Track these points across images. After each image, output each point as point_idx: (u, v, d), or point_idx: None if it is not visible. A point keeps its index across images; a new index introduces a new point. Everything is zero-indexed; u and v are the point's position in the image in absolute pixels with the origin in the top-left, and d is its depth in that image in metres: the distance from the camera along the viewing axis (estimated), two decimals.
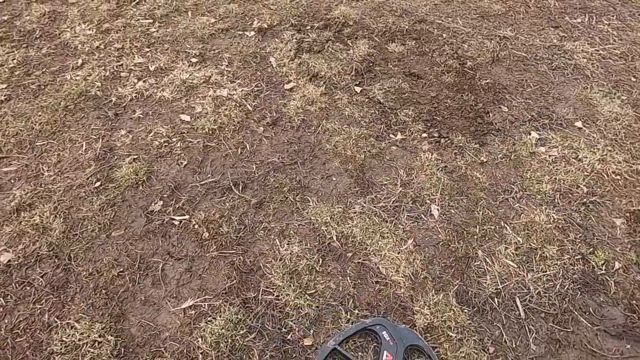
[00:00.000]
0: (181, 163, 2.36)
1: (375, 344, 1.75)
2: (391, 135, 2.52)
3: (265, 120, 2.58)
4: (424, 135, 2.52)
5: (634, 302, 1.89)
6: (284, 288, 1.89)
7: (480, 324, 1.82)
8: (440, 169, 2.35)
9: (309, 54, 2.98)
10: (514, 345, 1.77)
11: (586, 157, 2.43)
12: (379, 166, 2.37)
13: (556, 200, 2.23)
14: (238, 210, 2.16)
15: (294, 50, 3.01)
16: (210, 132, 2.51)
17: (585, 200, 2.24)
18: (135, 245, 2.04)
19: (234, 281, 1.92)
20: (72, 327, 1.78)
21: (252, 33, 3.16)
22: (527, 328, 1.81)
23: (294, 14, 3.33)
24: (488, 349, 1.76)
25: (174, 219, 2.13)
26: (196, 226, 2.10)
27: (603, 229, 2.13)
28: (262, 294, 1.88)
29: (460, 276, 1.95)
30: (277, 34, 3.16)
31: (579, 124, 2.62)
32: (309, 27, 3.21)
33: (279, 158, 2.39)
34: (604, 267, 1.99)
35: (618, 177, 2.35)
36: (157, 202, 2.19)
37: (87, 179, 2.29)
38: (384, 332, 1.72)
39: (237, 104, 2.66)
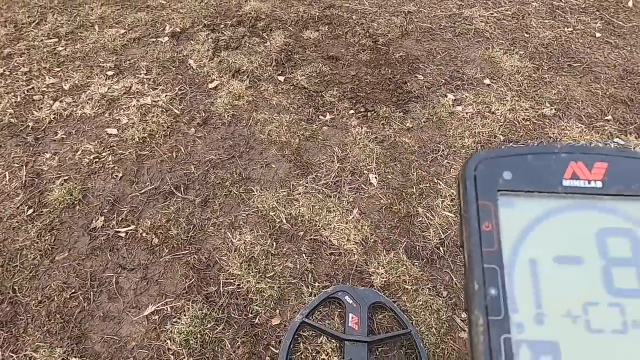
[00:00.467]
0: (117, 176, 2.31)
1: (340, 310, 1.83)
2: (321, 117, 2.62)
3: (196, 122, 2.58)
4: (352, 112, 2.64)
5: None
6: (243, 276, 1.93)
7: (431, 273, 1.96)
8: (372, 140, 2.48)
9: (228, 52, 3.00)
10: (463, 286, 1.93)
11: (498, 110, 2.66)
12: (314, 147, 2.46)
13: (479, 150, 2.43)
14: (184, 212, 2.16)
15: (211, 50, 3.02)
16: (141, 141, 2.47)
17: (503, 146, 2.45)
18: (83, 264, 1.98)
19: (193, 280, 1.93)
20: (31, 359, 1.71)
21: (166, 39, 3.13)
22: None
23: (205, 15, 3.34)
24: (442, 294, 1.90)
25: (119, 232, 2.09)
26: (144, 234, 2.07)
27: None
28: (223, 287, 1.91)
29: (407, 234, 2.09)
30: (191, 37, 3.15)
31: (487, 81, 2.85)
32: (222, 26, 3.23)
33: (216, 155, 2.41)
34: None
35: (528, 122, 2.60)
36: (98, 219, 2.14)
37: (18, 208, 2.18)
38: (347, 297, 1.81)
39: (164, 110, 2.64)
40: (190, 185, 2.27)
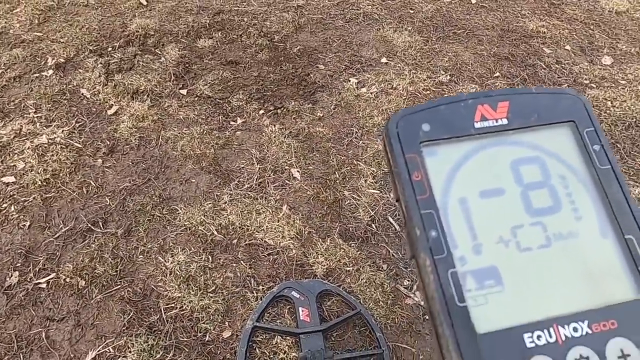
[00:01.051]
0: (24, 225, 2.13)
1: (289, 306, 1.83)
2: (232, 123, 2.58)
3: (101, 152, 2.45)
4: (261, 112, 2.64)
5: None
6: (184, 297, 1.86)
7: (368, 250, 2.02)
8: (286, 136, 2.49)
9: (121, 74, 2.87)
10: (399, 255, 2.00)
11: (399, 85, 2.78)
12: (231, 154, 2.42)
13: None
14: (108, 247, 2.04)
15: (103, 75, 2.87)
16: (44, 183, 2.30)
17: None
18: (4, 327, 1.81)
19: (131, 313, 1.83)
20: None
21: (50, 72, 2.93)
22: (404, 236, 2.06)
23: (89, 40, 3.16)
24: (382, 267, 1.97)
25: (39, 283, 1.93)
26: (68, 279, 1.94)
27: None
28: (165, 312, 1.83)
29: (338, 219, 2.13)
30: (78, 65, 2.97)
31: (384, 59, 2.97)
32: (110, 49, 3.07)
33: (130, 182, 2.30)
34: None
35: (427, 91, 2.74)
36: (12, 275, 1.96)
37: None
38: (293, 292, 1.82)
39: (63, 146, 2.47)
40: (109, 218, 2.15)
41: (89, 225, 2.13)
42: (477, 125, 0.41)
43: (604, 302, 0.37)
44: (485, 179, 0.40)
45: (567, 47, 3.11)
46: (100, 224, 2.13)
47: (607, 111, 2.67)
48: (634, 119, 2.64)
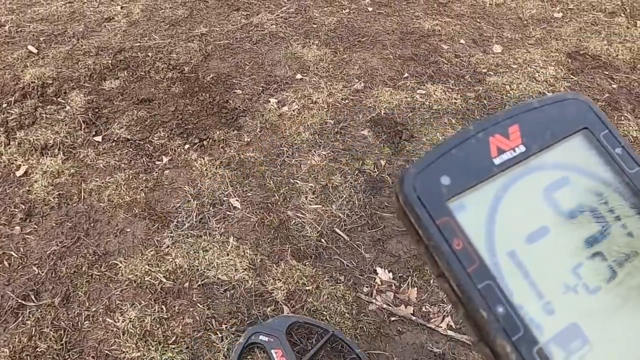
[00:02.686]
0: None
1: (260, 352, 1.79)
2: (157, 162, 2.48)
3: (17, 218, 2.24)
4: (187, 146, 2.56)
5: None
6: (144, 355, 1.75)
7: (323, 266, 2.03)
8: (217, 166, 2.45)
9: (24, 130, 2.65)
10: (354, 264, 2.04)
11: (319, 98, 2.84)
12: (163, 195, 2.33)
13: (317, 140, 2.58)
14: (46, 320, 1.87)
15: (2, 135, 2.63)
16: None
17: (336, 129, 2.64)
18: None
19: None
20: None
21: None
22: (354, 245, 2.10)
23: None
24: (340, 280, 1.99)
25: None
26: None
27: (360, 142, 2.57)
28: None
29: (287, 240, 2.12)
30: None
31: (298, 76, 3.02)
32: (5, 105, 2.83)
33: (57, 244, 2.12)
34: (375, 168, 2.42)
35: (346, 100, 2.83)
36: None
37: None
38: (260, 336, 1.76)
39: None
40: (41, 288, 1.97)
41: (19, 300, 1.93)
42: (497, 161, 0.37)
43: None
44: (525, 220, 0.36)
45: (462, 41, 3.37)
46: (32, 296, 1.94)
47: (508, 94, 2.93)
48: (531, 98, 2.91)
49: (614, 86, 2.97)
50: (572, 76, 3.06)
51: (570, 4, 3.76)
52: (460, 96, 2.90)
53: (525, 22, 3.57)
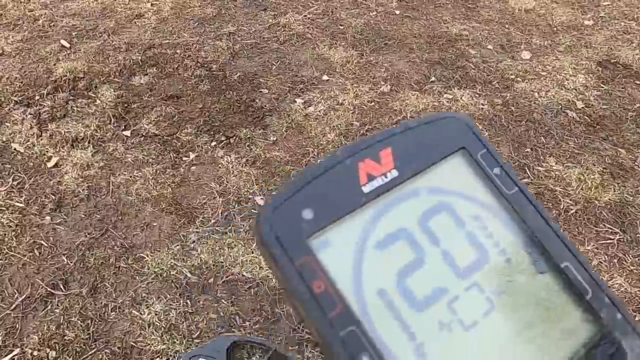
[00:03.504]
0: None
1: None
2: (184, 158, 2.52)
3: (48, 208, 2.28)
4: (214, 143, 2.59)
5: None
6: (169, 348, 1.78)
7: None
8: (244, 164, 2.47)
9: (55, 123, 2.70)
10: None
11: (345, 100, 2.84)
12: (190, 191, 2.35)
13: (343, 142, 2.58)
14: (74, 309, 1.90)
15: (35, 126, 2.69)
16: None
17: (362, 131, 2.64)
18: None
19: None
20: None
21: None
22: None
23: (12, 91, 2.95)
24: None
25: None
26: (35, 352, 1.78)
27: None
28: None
29: None
30: (4, 119, 2.76)
31: (325, 77, 3.03)
32: (38, 97, 2.89)
33: (86, 236, 2.16)
34: None
35: (372, 103, 2.83)
36: None
37: None
38: (200, 359, 1.71)
39: (3, 208, 2.28)
40: (69, 278, 2.01)
41: (48, 289, 1.97)
42: (366, 188, 0.33)
43: (571, 345, 0.32)
44: (397, 253, 0.33)
45: (490, 46, 3.34)
46: (61, 285, 1.98)
47: (536, 101, 2.89)
48: (560, 106, 2.88)
49: None
50: (602, 85, 3.01)
51: (602, 12, 3.71)
52: (488, 102, 2.87)
53: (555, 29, 3.53)
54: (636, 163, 2.54)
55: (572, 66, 3.15)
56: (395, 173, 0.34)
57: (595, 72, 3.11)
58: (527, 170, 2.49)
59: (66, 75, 3.02)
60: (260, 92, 2.93)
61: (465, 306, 0.32)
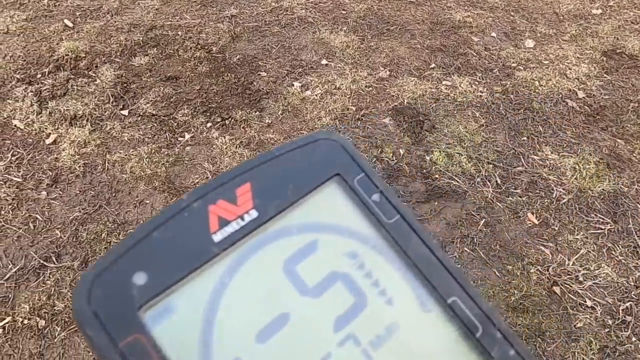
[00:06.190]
0: None
1: None
2: (180, 139, 2.54)
3: (44, 183, 2.33)
4: (209, 124, 2.61)
5: (424, 171, 2.36)
6: None
7: None
8: (238, 146, 2.49)
9: (55, 101, 2.74)
10: None
11: (342, 84, 2.84)
12: (183, 170, 2.38)
13: (338, 126, 2.58)
14: (65, 281, 1.95)
15: (35, 103, 2.73)
16: None
17: (357, 116, 2.64)
18: None
19: None
20: None
21: None
22: None
23: (14, 68, 2.99)
24: None
25: None
26: (25, 321, 1.83)
27: (380, 130, 2.57)
28: None
29: None
30: (6, 96, 2.81)
31: (324, 61, 3.02)
32: (39, 75, 2.93)
33: (80, 211, 2.21)
34: (394, 157, 2.41)
35: (370, 88, 2.82)
36: None
37: None
38: None
39: (1, 182, 2.33)
40: (62, 251, 2.06)
41: (41, 261, 2.02)
42: (217, 237, 0.28)
43: None
44: (256, 311, 0.28)
45: (493, 34, 3.30)
46: (54, 258, 2.03)
47: (536, 90, 2.86)
48: (560, 95, 2.84)
49: None
50: (605, 75, 2.96)
51: (611, 1, 3.63)
52: (487, 89, 2.85)
53: (561, 17, 3.47)
54: (634, 154, 2.51)
55: (576, 55, 3.10)
56: (254, 214, 0.29)
57: (599, 61, 3.06)
58: (522, 159, 2.47)
59: (68, 55, 3.05)
60: (259, 74, 2.94)
61: None
